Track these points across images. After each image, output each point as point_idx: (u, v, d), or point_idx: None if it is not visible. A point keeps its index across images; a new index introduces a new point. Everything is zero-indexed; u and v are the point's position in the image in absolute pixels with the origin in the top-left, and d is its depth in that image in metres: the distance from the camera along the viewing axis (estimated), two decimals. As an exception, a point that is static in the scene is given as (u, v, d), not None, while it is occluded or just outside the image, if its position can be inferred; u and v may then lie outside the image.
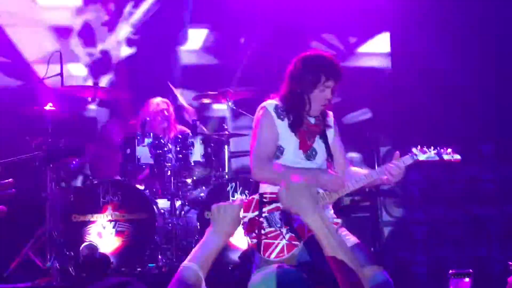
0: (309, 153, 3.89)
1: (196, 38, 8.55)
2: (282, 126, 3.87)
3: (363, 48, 8.41)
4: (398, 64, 8.01)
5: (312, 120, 3.94)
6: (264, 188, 3.86)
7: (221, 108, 7.56)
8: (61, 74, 6.25)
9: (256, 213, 3.76)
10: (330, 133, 4.02)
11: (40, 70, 7.22)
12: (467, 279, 4.52)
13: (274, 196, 3.71)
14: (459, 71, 7.33)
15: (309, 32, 8.04)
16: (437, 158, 3.83)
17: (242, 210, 2.74)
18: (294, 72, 3.89)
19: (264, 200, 3.76)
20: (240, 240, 5.85)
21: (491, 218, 6.33)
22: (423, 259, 6.24)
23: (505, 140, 6.40)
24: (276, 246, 3.66)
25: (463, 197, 6.35)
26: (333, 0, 7.96)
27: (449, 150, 3.88)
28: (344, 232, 3.80)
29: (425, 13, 7.58)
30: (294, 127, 3.86)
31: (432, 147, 3.86)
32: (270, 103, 3.91)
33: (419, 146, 3.85)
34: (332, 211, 3.90)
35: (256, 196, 3.82)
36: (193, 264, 2.47)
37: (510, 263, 3.30)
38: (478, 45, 7.43)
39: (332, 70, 3.83)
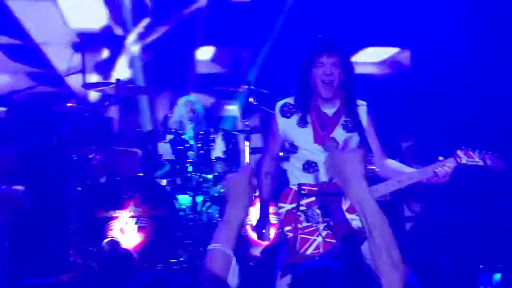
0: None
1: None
2: (288, 124, 3.88)
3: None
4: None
5: (330, 110, 3.87)
6: (297, 178, 3.85)
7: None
8: (83, 71, 6.31)
9: (294, 205, 3.75)
10: (363, 121, 3.90)
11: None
12: (498, 275, 4.46)
13: (313, 188, 3.72)
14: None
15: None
16: (481, 163, 3.77)
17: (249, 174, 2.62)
18: (297, 61, 3.91)
19: (303, 192, 3.74)
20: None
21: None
22: (446, 255, 6.20)
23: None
24: (313, 242, 3.66)
25: (486, 193, 6.29)
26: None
27: (494, 155, 3.81)
28: None
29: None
30: (302, 121, 3.85)
31: (477, 151, 3.80)
32: (280, 103, 3.96)
33: (463, 148, 3.78)
34: None
35: (294, 187, 3.80)
36: (219, 244, 2.45)
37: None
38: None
39: (322, 46, 3.82)
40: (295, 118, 3.87)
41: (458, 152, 3.77)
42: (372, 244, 2.33)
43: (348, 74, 3.85)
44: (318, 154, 3.81)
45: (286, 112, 3.89)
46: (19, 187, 5.25)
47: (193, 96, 7.32)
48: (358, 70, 4.11)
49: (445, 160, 3.73)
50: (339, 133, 3.85)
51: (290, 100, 3.92)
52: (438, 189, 6.18)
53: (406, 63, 8.46)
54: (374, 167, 3.85)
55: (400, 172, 3.82)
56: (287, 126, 3.88)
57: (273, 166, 4.02)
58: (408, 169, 3.85)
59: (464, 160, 3.75)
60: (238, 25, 8.17)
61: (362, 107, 3.92)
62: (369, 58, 8.51)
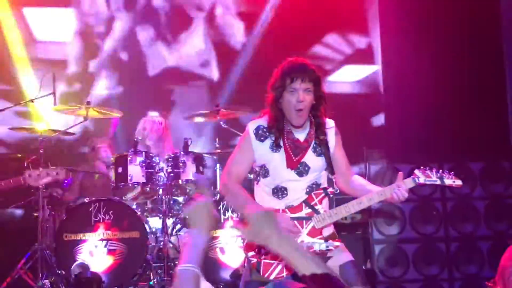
0: (300, 169, 3.82)
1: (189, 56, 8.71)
2: (262, 147, 3.84)
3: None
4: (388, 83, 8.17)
5: (301, 135, 3.87)
6: (265, 202, 3.84)
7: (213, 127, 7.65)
8: (53, 93, 6.29)
9: None
10: (330, 143, 3.92)
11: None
12: None
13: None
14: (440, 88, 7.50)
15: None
16: (438, 182, 3.82)
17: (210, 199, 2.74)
18: (271, 83, 3.86)
19: None
20: (231, 259, 5.87)
21: (483, 236, 6.34)
22: (415, 277, 6.24)
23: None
24: (276, 267, 3.66)
25: (455, 216, 6.36)
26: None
27: (452, 174, 3.87)
28: (342, 248, 3.79)
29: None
30: (275, 145, 3.82)
31: (435, 170, 3.85)
32: (254, 123, 3.90)
33: (421, 168, 3.84)
34: (333, 231, 3.84)
35: None
36: (189, 265, 2.53)
37: (487, 283, 3.31)
38: (467, 62, 7.57)
39: (295, 71, 3.75)
40: (268, 142, 3.84)
41: (416, 171, 3.83)
42: None
43: (319, 99, 3.83)
44: (289, 180, 3.82)
45: (261, 136, 3.85)
46: None
47: (157, 116, 7.36)
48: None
49: (404, 181, 3.78)
50: (310, 158, 3.85)
51: (263, 122, 3.87)
52: (407, 212, 6.27)
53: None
54: (336, 189, 3.86)
55: (364, 191, 3.84)
56: (261, 150, 3.84)
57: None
58: (374, 188, 3.87)
59: (422, 179, 3.81)
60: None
61: (331, 130, 3.94)
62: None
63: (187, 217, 2.72)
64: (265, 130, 3.86)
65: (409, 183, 3.78)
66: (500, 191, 6.40)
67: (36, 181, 5.30)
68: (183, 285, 2.49)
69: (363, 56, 8.90)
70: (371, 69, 8.87)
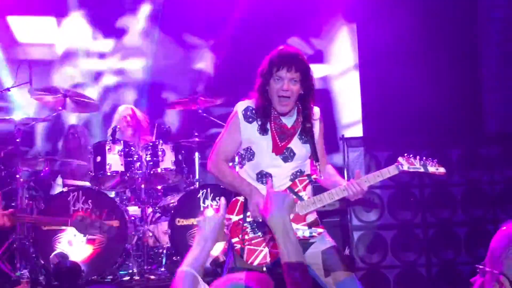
0: (286, 155, 3.82)
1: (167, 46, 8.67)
2: (250, 129, 3.84)
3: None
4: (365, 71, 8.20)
5: (288, 121, 3.87)
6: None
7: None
8: (30, 82, 6.24)
9: (241, 216, 3.77)
10: (315, 131, 3.92)
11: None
12: None
13: None
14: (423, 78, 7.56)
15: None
16: (422, 169, 3.82)
17: (225, 213, 2.99)
18: (259, 70, 3.86)
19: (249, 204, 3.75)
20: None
21: (459, 222, 6.41)
22: (393, 263, 6.30)
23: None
24: (260, 253, 3.68)
25: (432, 202, 6.42)
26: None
27: (435, 162, 3.85)
28: (325, 234, 3.80)
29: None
30: (262, 129, 3.83)
31: (418, 157, 3.84)
32: (242, 105, 3.89)
33: (405, 155, 3.83)
34: (316, 217, 3.85)
35: (241, 198, 3.80)
36: (191, 268, 2.71)
37: (478, 266, 3.35)
38: (444, 51, 7.64)
39: (281, 60, 3.75)
40: (255, 124, 3.84)
41: (400, 159, 3.82)
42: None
43: (307, 90, 3.83)
44: (273, 165, 3.82)
45: (249, 117, 3.85)
46: None
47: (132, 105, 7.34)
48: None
49: (386, 168, 3.78)
50: (295, 144, 3.86)
51: (251, 104, 3.87)
52: (385, 199, 6.33)
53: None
54: (321, 176, 3.88)
55: (334, 183, 3.84)
56: (249, 132, 3.84)
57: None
58: (341, 181, 3.87)
59: (405, 167, 3.80)
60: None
61: (316, 121, 3.94)
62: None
63: (200, 224, 2.90)
64: (253, 112, 3.86)
65: (392, 170, 3.78)
66: (476, 178, 6.47)
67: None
68: (181, 285, 2.66)
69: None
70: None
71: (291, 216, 3.69)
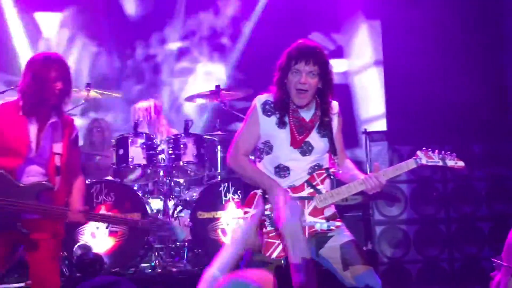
0: (304, 148, 3.81)
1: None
2: (268, 122, 3.84)
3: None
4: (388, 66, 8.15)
5: (306, 115, 3.86)
6: None
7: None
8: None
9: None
10: (334, 125, 3.92)
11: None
12: None
13: None
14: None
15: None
16: (440, 163, 3.80)
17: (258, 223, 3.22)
18: (278, 63, 3.86)
19: (267, 197, 3.73)
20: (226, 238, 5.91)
21: (483, 217, 6.37)
22: (415, 258, 6.28)
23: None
24: (277, 246, 3.67)
25: (455, 197, 6.38)
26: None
27: (454, 156, 3.84)
28: (343, 228, 3.78)
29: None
30: (280, 122, 3.82)
31: (437, 151, 3.83)
32: (261, 98, 3.89)
33: (423, 149, 3.82)
34: (335, 211, 3.84)
35: (259, 192, 3.79)
36: (219, 272, 2.83)
37: (493, 259, 3.31)
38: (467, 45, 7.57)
39: (299, 53, 3.75)
40: (274, 118, 3.84)
41: (418, 152, 3.81)
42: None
43: (326, 84, 3.82)
44: (291, 158, 3.82)
45: (268, 111, 3.85)
46: None
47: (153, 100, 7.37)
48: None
49: (405, 162, 3.78)
50: (313, 138, 3.85)
51: (270, 97, 3.87)
52: (407, 193, 6.29)
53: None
54: (339, 170, 3.88)
55: (352, 177, 3.85)
56: (267, 125, 3.84)
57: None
58: (359, 175, 3.87)
59: (424, 160, 3.79)
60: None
61: (335, 115, 3.93)
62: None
63: (240, 229, 3.07)
64: (272, 105, 3.86)
65: (411, 164, 3.78)
66: (500, 173, 6.41)
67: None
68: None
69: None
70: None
71: (308, 210, 3.71)
